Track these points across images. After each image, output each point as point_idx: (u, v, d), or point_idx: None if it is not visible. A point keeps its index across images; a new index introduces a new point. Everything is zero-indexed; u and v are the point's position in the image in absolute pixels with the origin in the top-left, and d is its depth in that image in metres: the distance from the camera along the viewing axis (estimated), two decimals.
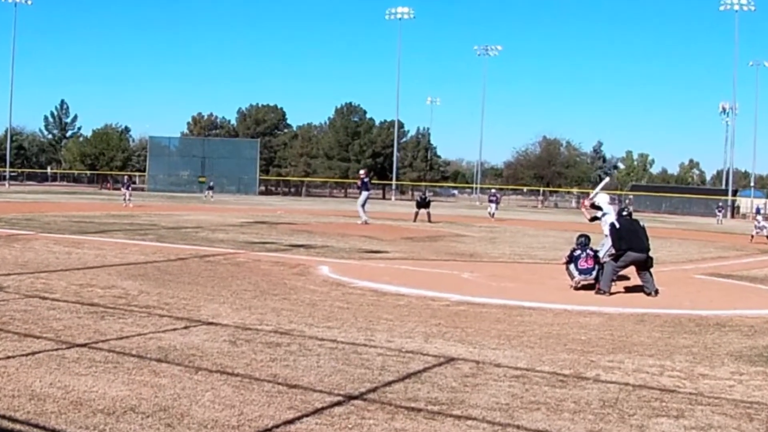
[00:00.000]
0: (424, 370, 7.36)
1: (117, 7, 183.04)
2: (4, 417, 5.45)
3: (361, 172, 33.82)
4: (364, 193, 30.99)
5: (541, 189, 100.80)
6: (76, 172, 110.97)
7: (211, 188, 68.12)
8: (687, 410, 6.40)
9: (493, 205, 44.42)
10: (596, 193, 15.76)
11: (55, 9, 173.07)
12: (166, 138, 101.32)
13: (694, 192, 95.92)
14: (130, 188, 44.84)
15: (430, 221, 35.98)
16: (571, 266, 13.91)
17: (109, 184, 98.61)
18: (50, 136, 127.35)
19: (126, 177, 50.01)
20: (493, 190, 51.66)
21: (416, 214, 37.33)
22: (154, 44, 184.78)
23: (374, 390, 6.55)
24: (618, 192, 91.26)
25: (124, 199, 43.28)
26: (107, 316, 9.30)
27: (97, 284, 11.91)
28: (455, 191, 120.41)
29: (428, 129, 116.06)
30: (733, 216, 78.24)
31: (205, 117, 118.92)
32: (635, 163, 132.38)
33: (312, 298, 11.63)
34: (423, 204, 38.23)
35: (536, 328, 9.98)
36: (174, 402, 5.96)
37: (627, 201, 79.08)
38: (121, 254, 16.45)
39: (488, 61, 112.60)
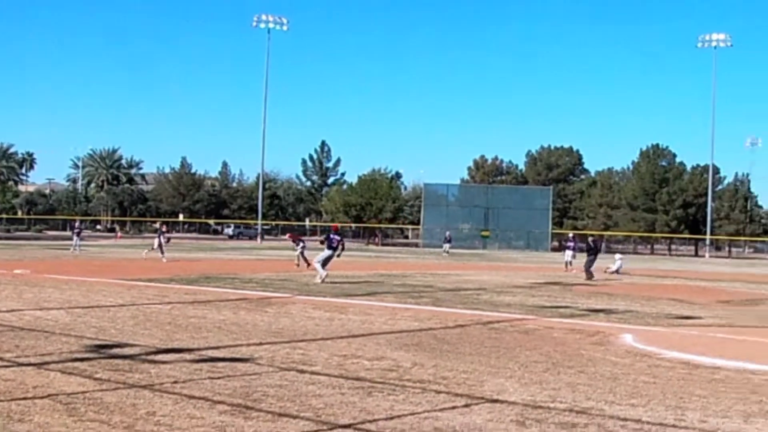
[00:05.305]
0: None
1: (385, 34, 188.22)
2: None
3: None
4: (327, 252, 28.47)
5: None
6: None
7: (448, 241, 70.99)
8: None
9: None
10: None
11: (314, 33, 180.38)
12: (444, 185, 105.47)
13: None
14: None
15: None
16: None
17: (377, 239, 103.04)
18: (309, 184, 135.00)
19: None
20: None
21: None
22: (427, 77, 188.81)
23: None
24: None
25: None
26: (375, 392, 9.72)
27: (363, 355, 12.53)
28: None
29: (748, 175, 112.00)
30: None
31: (489, 161, 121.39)
32: None
33: (613, 371, 11.89)
34: None
35: None
36: None
37: None
38: (391, 320, 17.26)
39: None
